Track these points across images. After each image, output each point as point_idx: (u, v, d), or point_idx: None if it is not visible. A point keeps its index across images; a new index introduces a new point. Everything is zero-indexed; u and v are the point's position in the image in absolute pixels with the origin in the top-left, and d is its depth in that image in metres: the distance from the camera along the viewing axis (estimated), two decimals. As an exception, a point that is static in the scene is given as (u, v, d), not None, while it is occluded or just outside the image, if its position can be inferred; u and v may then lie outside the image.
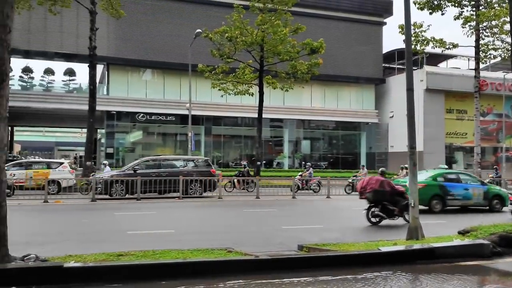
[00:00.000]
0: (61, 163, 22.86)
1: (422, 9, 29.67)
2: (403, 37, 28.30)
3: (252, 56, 25.26)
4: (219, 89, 26.41)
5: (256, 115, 27.01)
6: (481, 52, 30.27)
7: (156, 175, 18.90)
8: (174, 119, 35.77)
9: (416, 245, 7.88)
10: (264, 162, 25.69)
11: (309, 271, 6.81)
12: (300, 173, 24.85)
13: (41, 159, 31.55)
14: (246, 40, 23.97)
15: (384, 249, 7.55)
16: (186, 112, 28.91)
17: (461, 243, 7.89)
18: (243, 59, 25.76)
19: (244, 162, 26.39)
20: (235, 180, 22.69)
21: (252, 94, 26.70)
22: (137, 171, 19.00)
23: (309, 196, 21.31)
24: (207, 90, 31.57)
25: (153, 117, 35.52)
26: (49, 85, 38.61)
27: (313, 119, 40.64)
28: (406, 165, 24.51)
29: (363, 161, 40.75)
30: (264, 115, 26.71)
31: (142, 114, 35.05)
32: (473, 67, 31.54)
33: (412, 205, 8.90)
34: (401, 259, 7.38)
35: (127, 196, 18.66)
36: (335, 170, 36.24)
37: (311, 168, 24.51)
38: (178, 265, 6.48)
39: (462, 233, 8.85)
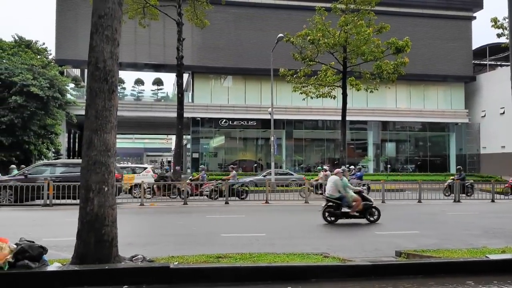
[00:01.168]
0: (145, 168, 24.29)
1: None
2: (496, 31, 26.81)
3: (335, 57, 24.91)
4: (301, 93, 26.33)
5: (337, 118, 26.62)
6: None
7: None
8: (255, 123, 36.31)
9: (530, 254, 7.28)
10: (347, 165, 25.15)
11: (410, 278, 6.55)
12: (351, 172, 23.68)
13: (127, 164, 33.71)
14: (329, 42, 23.69)
15: (493, 257, 7.07)
16: (266, 116, 29.22)
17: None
18: (326, 61, 25.47)
19: (325, 166, 26.05)
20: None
21: (334, 97, 26.33)
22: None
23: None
24: (287, 94, 31.69)
25: (234, 122, 36.32)
26: (139, 94, 40.88)
27: (398, 121, 39.29)
28: (325, 166, 23.32)
29: (452, 164, 38.63)
30: (346, 118, 26.24)
31: (224, 120, 35.96)
32: None
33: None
34: (509, 268, 6.87)
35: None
36: (423, 174, 34.68)
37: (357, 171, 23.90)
38: (278, 269, 6.52)
39: None
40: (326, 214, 12.81)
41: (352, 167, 25.04)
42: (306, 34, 24.04)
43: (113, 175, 6.57)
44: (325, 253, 7.80)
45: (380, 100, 37.23)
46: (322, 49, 24.31)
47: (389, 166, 37.89)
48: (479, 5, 39.77)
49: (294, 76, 25.73)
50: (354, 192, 12.95)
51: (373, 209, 12.94)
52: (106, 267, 6.01)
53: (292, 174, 29.67)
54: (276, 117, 30.36)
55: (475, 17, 39.95)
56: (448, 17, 38.71)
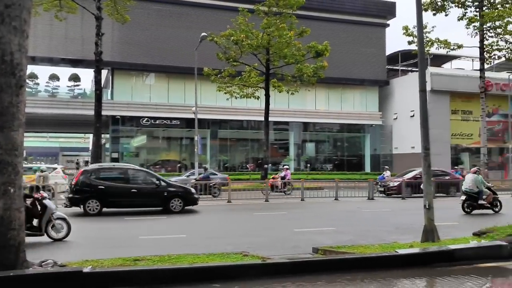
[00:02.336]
0: (55, 168, 23.42)
1: (426, 10, 29.72)
2: (407, 38, 28.60)
3: (258, 59, 25.29)
4: (225, 93, 26.42)
5: (261, 118, 27.04)
6: (485, 53, 30.28)
7: None
8: (179, 123, 35.79)
9: (434, 248, 7.82)
10: (270, 165, 25.65)
11: (326, 274, 6.77)
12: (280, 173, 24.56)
13: (31, 165, 32.01)
14: (252, 43, 23.99)
15: (402, 251, 7.51)
16: (191, 115, 28.94)
17: (479, 245, 7.85)
18: (249, 62, 25.77)
19: (286, 165, 26.57)
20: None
21: (258, 98, 26.72)
22: None
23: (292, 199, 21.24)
24: (212, 93, 31.59)
25: (157, 121, 35.55)
26: (54, 90, 38.73)
27: (318, 122, 40.63)
28: (286, 166, 24.86)
29: (367, 163, 40.66)
30: (269, 118, 26.70)
31: (146, 119, 35.08)
32: (478, 68, 31.56)
33: (427, 206, 8.86)
34: (419, 261, 7.34)
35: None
36: (341, 172, 36.14)
37: (288, 170, 24.52)
38: (197, 270, 6.46)
39: (478, 234, 8.80)
40: (465, 205, 15.44)
41: (286, 166, 25.61)
42: (230, 35, 24.18)
43: (21, 176, 6.15)
44: (245, 251, 7.85)
45: (301, 102, 38.27)
46: (246, 50, 24.58)
47: (309, 165, 39.09)
48: (392, 13, 42.19)
49: (219, 76, 25.77)
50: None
51: (498, 202, 15.56)
52: (11, 274, 5.61)
53: (216, 174, 29.62)
54: (200, 116, 30.15)
55: (388, 25, 42.33)
56: (364, 23, 40.66)
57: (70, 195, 14.92)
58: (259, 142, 35.01)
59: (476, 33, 29.88)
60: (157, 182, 15.66)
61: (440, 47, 29.80)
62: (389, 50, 42.97)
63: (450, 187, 23.55)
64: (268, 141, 26.54)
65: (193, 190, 16.81)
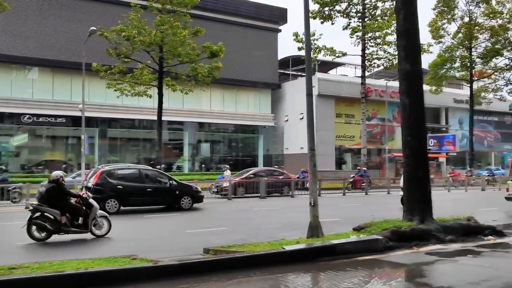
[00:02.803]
0: None
1: (314, 18, 31.38)
2: (298, 44, 29.93)
3: (151, 56, 24.69)
4: (115, 90, 25.39)
5: (154, 117, 26.43)
6: (366, 61, 32.78)
7: None
8: (64, 121, 33.66)
9: (318, 243, 8.27)
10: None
11: (217, 274, 6.84)
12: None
13: None
14: (144, 40, 23.36)
15: (288, 247, 7.84)
16: (78, 113, 27.37)
17: (357, 239, 8.46)
18: (142, 59, 25.06)
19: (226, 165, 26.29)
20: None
21: (150, 96, 26.09)
22: None
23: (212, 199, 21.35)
24: (101, 90, 30.17)
25: (40, 119, 33.05)
26: None
27: (213, 122, 40.82)
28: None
29: (260, 163, 41.80)
30: (163, 118, 26.22)
31: (28, 116, 32.47)
32: (360, 75, 34.05)
33: (313, 204, 9.33)
34: (305, 256, 7.72)
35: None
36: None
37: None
38: (80, 276, 6.13)
39: (357, 229, 9.48)
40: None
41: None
42: (121, 30, 23.32)
43: None
44: (134, 255, 7.64)
45: (196, 102, 38.14)
46: (138, 47, 23.88)
47: (203, 165, 39.11)
48: (283, 19, 43.84)
49: (108, 72, 24.71)
50: None
51: None
52: None
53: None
54: (88, 114, 28.63)
55: (280, 30, 43.90)
56: (257, 27, 41.72)
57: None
58: (152, 142, 34.18)
59: (359, 42, 32.22)
60: (169, 181, 16.85)
61: (327, 54, 31.65)
62: (282, 55, 44.67)
63: (284, 187, 23.94)
64: (161, 141, 26.03)
65: (199, 189, 18.14)
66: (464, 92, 46.41)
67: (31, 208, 10.23)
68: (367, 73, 34.28)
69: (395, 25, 11.99)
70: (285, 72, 46.04)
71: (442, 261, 8.13)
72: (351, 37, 32.29)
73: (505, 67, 40.35)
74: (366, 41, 32.18)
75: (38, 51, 32.28)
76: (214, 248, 8.36)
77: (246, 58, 40.46)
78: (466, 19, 38.13)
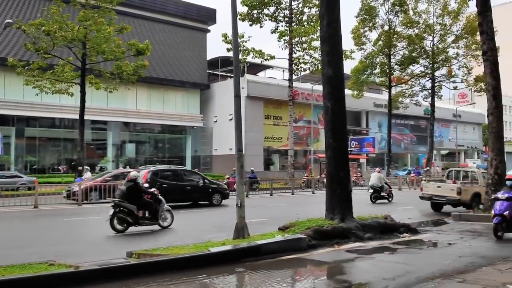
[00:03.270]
0: None
1: (243, 20, 31.68)
2: (226, 45, 30.04)
3: (73, 53, 23.62)
4: (34, 87, 24.02)
5: (76, 116, 25.32)
6: (293, 65, 33.58)
7: None
8: (-25, 118, 31.30)
9: (243, 244, 8.34)
10: (87, 167, 24.13)
11: (141, 278, 6.68)
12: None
13: None
14: (66, 35, 22.31)
15: (214, 249, 7.83)
16: (-8, 111, 25.61)
17: (282, 239, 8.63)
18: (63, 55, 23.90)
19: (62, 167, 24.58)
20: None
21: (72, 94, 24.96)
22: None
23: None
24: (18, 87, 28.45)
25: None
26: None
27: (139, 122, 39.82)
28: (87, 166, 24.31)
29: (188, 164, 41.44)
30: (86, 117, 25.20)
31: None
32: (287, 78, 34.79)
33: (239, 205, 9.40)
34: (231, 258, 7.74)
35: None
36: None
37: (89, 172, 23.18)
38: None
39: (282, 229, 9.67)
40: (372, 197, 20.24)
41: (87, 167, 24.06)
42: (41, 24, 22.09)
43: None
44: (51, 260, 7.27)
45: (121, 101, 37.01)
46: (59, 42, 22.76)
47: (128, 167, 37.97)
48: (212, 20, 43.76)
49: (26, 68, 23.32)
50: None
51: (391, 194, 21.09)
52: None
53: (21, 177, 26.77)
54: (3, 112, 26.82)
55: (209, 30, 43.77)
56: (186, 26, 41.29)
57: None
58: (74, 141, 32.67)
59: (286, 46, 32.93)
60: (203, 180, 18.90)
61: (256, 57, 32.02)
62: (211, 55, 44.51)
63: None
64: (83, 141, 25.00)
65: (226, 187, 20.42)
66: (383, 97, 48.96)
67: (112, 204, 11.67)
68: (294, 77, 35.11)
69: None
70: (214, 72, 45.98)
71: (361, 258, 8.52)
72: (279, 41, 32.94)
73: (421, 74, 43.10)
74: (293, 46, 32.94)
75: None
76: (138, 251, 8.16)
77: (174, 57, 39.92)
78: (386, 28, 40.24)
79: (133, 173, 12.38)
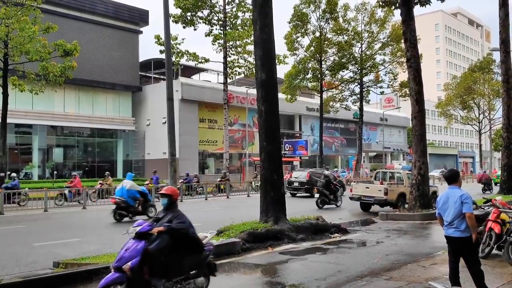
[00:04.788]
0: None
1: (176, 22, 31.32)
2: (160, 47, 29.57)
3: (-6, 52, 22.21)
4: None
5: (-2, 120, 23.79)
6: (228, 68, 33.64)
7: None
8: None
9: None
10: (13, 174, 22.67)
11: (68, 288, 6.40)
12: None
13: None
14: (-14, 34, 20.93)
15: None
16: None
17: (216, 243, 8.58)
18: (-18, 55, 22.40)
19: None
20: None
21: (-6, 96, 23.44)
22: None
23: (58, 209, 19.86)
24: None
25: None
26: None
27: (67, 125, 38.10)
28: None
29: (119, 168, 40.24)
30: (9, 120, 23.74)
31: None
32: (222, 81, 34.80)
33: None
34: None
35: None
36: (91, 179, 34.62)
37: None
38: None
39: (217, 233, 9.64)
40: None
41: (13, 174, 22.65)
42: (-44, 20, 20.57)
43: None
44: None
45: (47, 104, 35.23)
46: (-22, 41, 21.29)
47: (55, 172, 36.24)
48: (145, 21, 42.79)
49: None
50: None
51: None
52: None
53: None
54: None
55: (141, 31, 42.76)
56: (116, 27, 40.06)
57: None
58: (-5, 146, 30.67)
59: (221, 49, 32.92)
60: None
61: (190, 59, 31.74)
62: (144, 57, 43.54)
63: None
64: (5, 146, 23.55)
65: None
66: (315, 101, 50.30)
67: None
68: (229, 80, 35.16)
69: (253, 35, 12.51)
70: (147, 74, 45.05)
71: (294, 259, 8.69)
72: (213, 44, 32.86)
73: (350, 79, 44.75)
74: (228, 49, 33.00)
75: None
76: (65, 261, 7.79)
77: (104, 59, 38.64)
78: (317, 34, 41.42)
79: (326, 172, 21.23)
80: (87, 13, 37.90)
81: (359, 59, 43.29)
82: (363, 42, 43.63)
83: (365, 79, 44.78)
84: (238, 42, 32.66)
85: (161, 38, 28.90)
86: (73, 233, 12.36)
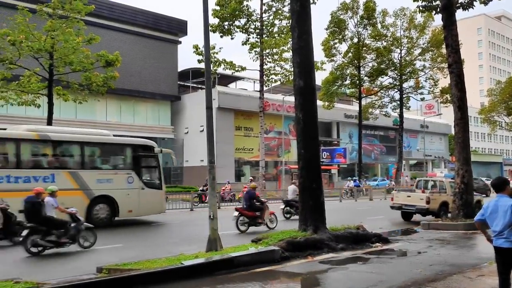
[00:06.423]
0: None
1: (214, 31, 31.69)
2: (197, 57, 29.97)
3: (40, 63, 23.05)
4: (-1, 98, 23.33)
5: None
6: (264, 76, 33.74)
7: None
8: None
9: (216, 257, 8.24)
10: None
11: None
12: None
13: None
14: (33, 45, 21.75)
15: (187, 263, 7.70)
16: (-47, 123, 24.70)
17: (255, 251, 8.58)
18: (30, 66, 23.29)
19: None
20: None
21: (39, 106, 24.32)
22: None
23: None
24: (-18, 98, 27.54)
25: None
26: None
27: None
28: None
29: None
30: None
31: None
32: (258, 89, 34.92)
33: (212, 217, 9.29)
34: (204, 270, 7.63)
35: None
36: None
37: None
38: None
39: (256, 241, 9.62)
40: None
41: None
42: (6, 34, 21.50)
43: None
44: (17, 278, 7.00)
45: (90, 113, 36.33)
46: (25, 53, 22.17)
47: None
48: (183, 31, 43.59)
49: (-10, 79, 22.61)
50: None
51: None
52: None
53: None
54: (-35, 124, 25.84)
55: (180, 42, 43.57)
56: (156, 38, 40.98)
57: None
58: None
59: (257, 57, 33.07)
60: None
61: (227, 68, 32.04)
62: (182, 66, 44.27)
63: None
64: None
65: None
66: (353, 107, 49.71)
67: None
68: (265, 88, 35.25)
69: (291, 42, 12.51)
70: (185, 84, 45.75)
71: (334, 269, 8.54)
72: (250, 52, 33.04)
73: (389, 86, 44.01)
74: (264, 57, 33.12)
75: None
76: (108, 266, 7.94)
77: (144, 69, 39.54)
78: (355, 40, 41.02)
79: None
80: (128, 24, 38.93)
81: (398, 65, 42.57)
82: (402, 47, 42.92)
83: (405, 85, 43.97)
84: (274, 50, 32.74)
85: (199, 48, 29.32)
86: (114, 239, 12.60)
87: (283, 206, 18.30)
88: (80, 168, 14.97)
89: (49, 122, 23.63)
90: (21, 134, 14.39)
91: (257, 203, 14.05)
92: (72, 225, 10.43)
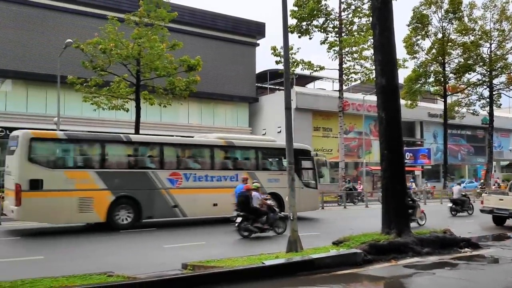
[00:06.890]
0: None
1: (292, 32, 31.69)
2: (275, 58, 30.15)
3: (128, 70, 24.46)
4: (91, 103, 25.05)
5: (131, 131, 26.10)
6: (344, 75, 33.17)
7: None
8: (39, 134, 32.90)
9: (297, 257, 8.22)
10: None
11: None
12: None
13: None
14: (122, 53, 23.15)
15: (268, 262, 7.76)
16: (53, 126, 26.86)
17: (337, 253, 8.45)
18: (119, 72, 24.79)
19: None
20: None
21: (128, 110, 25.81)
22: None
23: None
24: (77, 103, 29.70)
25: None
26: None
27: (190, 136, 40.48)
28: None
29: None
30: (141, 131, 25.96)
31: (1, 129, 31.70)
32: (337, 89, 34.41)
33: (292, 218, 9.29)
34: (284, 271, 7.65)
35: None
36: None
37: None
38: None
39: (336, 243, 9.47)
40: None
41: None
42: (98, 43, 23.05)
43: None
44: (110, 272, 7.45)
45: (173, 116, 37.88)
46: (115, 60, 23.63)
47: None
48: (261, 33, 44.06)
49: (84, 85, 24.36)
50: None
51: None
52: None
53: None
54: (64, 128, 28.01)
55: (258, 44, 44.11)
56: (235, 41, 41.82)
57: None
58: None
59: (336, 56, 32.60)
60: None
61: (305, 68, 31.92)
62: (259, 68, 44.78)
63: None
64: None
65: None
66: (438, 106, 47.38)
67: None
68: (344, 87, 34.66)
69: (372, 40, 12.19)
70: (263, 85, 46.22)
71: (419, 273, 8.18)
72: (328, 52, 32.65)
73: (477, 82, 41.43)
74: (343, 56, 32.59)
75: (12, 63, 31.67)
76: (192, 263, 8.22)
77: (223, 72, 40.48)
78: (439, 35, 39.10)
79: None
80: (208, 29, 40.09)
81: (487, 60, 39.92)
82: (492, 41, 40.20)
83: (495, 81, 41.15)
84: (354, 48, 32.11)
85: (277, 49, 29.50)
86: (198, 236, 13.02)
87: (450, 204, 20.66)
88: (255, 169, 17.52)
89: (137, 125, 24.97)
90: (214, 141, 17.37)
91: (410, 202, 14.74)
92: (271, 214, 13.01)
